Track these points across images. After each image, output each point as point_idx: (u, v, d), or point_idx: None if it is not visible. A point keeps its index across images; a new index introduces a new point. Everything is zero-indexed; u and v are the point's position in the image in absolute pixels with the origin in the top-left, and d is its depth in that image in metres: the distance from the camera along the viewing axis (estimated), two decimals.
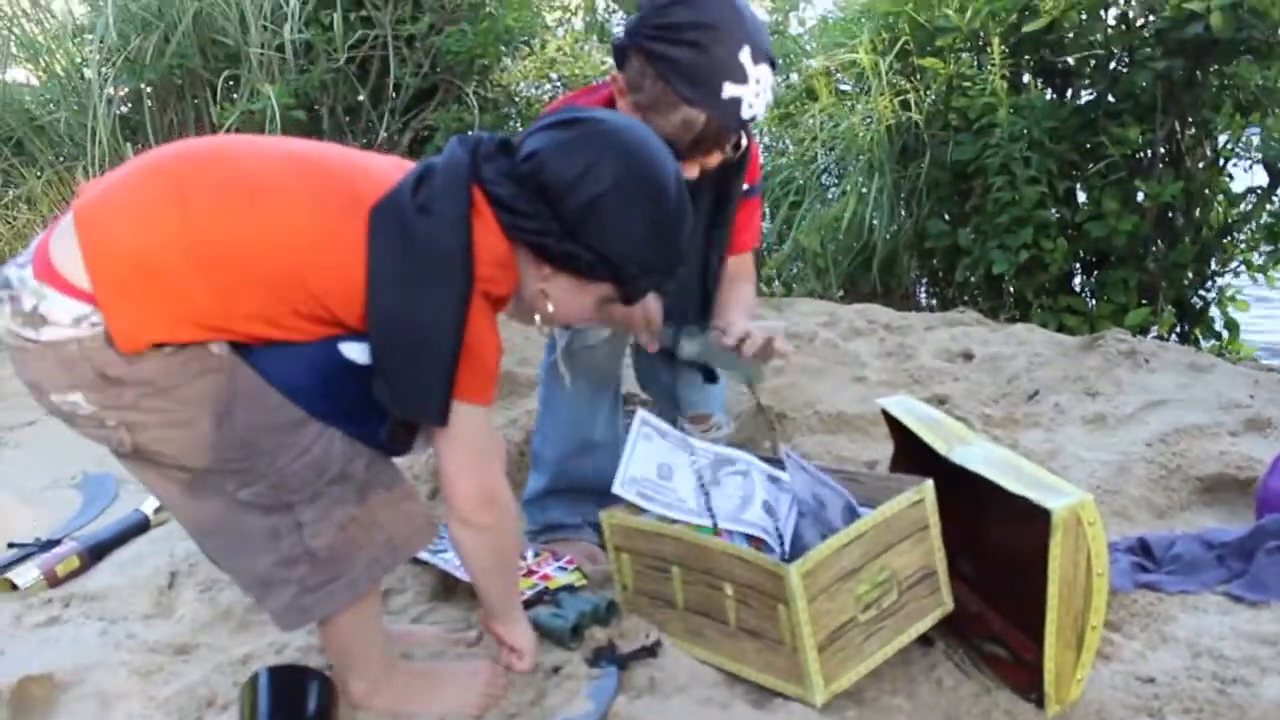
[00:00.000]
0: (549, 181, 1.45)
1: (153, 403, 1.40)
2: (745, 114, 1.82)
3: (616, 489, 1.85)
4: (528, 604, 1.82)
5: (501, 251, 1.47)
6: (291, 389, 1.44)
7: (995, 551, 1.73)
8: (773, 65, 1.86)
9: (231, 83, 4.27)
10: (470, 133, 1.56)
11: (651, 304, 1.92)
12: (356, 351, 1.45)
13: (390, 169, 1.51)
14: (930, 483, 1.70)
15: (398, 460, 1.58)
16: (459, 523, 1.54)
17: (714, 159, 1.89)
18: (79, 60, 4.48)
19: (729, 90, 1.78)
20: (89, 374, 1.38)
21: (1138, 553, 2.03)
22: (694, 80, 1.77)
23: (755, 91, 1.81)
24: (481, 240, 1.44)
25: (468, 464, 1.52)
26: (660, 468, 1.88)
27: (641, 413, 1.91)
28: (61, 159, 4.41)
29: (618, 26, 4.92)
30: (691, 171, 1.88)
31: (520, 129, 3.25)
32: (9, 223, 4.27)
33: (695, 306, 2.07)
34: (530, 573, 1.95)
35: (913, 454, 1.86)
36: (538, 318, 1.59)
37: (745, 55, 1.79)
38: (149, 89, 4.34)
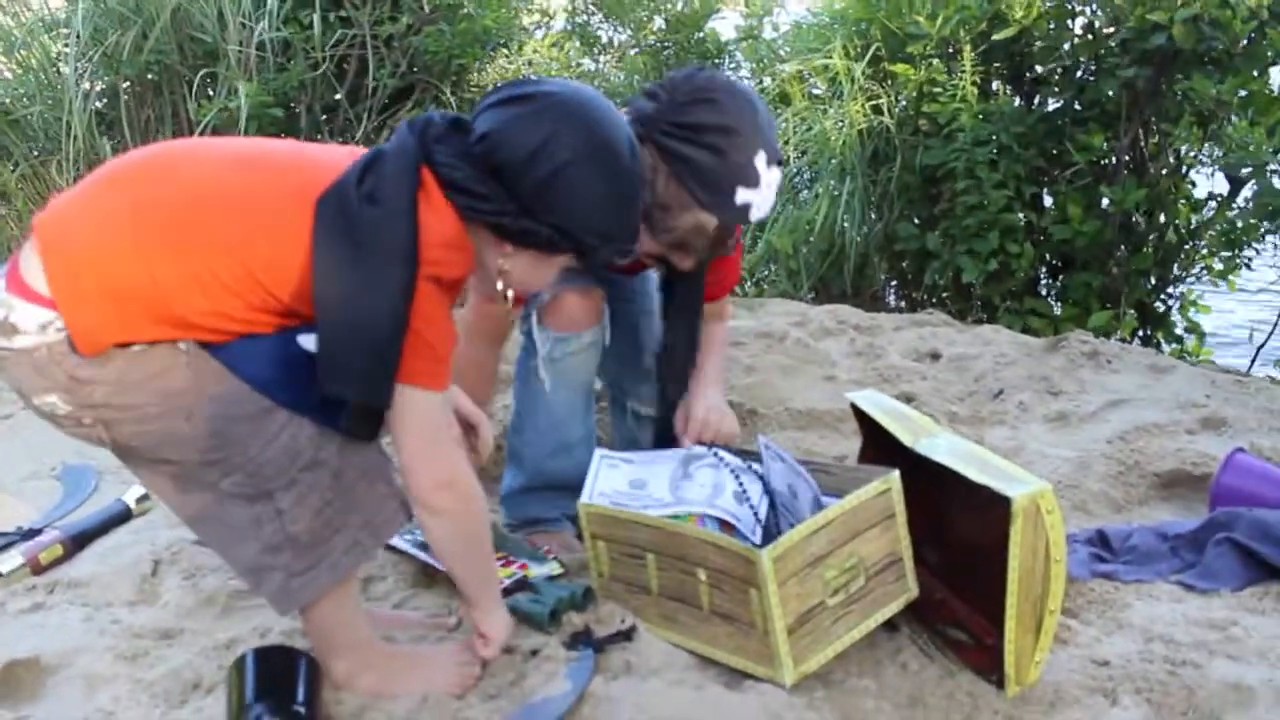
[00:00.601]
0: (502, 161, 1.47)
1: (122, 400, 1.44)
2: (753, 216, 1.84)
3: (585, 500, 1.88)
4: (507, 592, 1.86)
5: (452, 233, 1.49)
6: (256, 381, 1.48)
7: (958, 540, 1.79)
8: (780, 165, 1.86)
9: (209, 80, 4.28)
10: (420, 114, 1.59)
11: None
12: (313, 342, 1.48)
13: (342, 159, 1.53)
14: (896, 473, 1.75)
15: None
16: (421, 509, 1.57)
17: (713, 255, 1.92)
18: (54, 54, 4.48)
19: (742, 195, 1.79)
20: (60, 377, 1.43)
21: (1096, 544, 2.10)
22: (710, 185, 1.78)
23: (765, 196, 1.82)
24: (429, 223, 1.46)
25: (423, 449, 1.53)
26: (632, 482, 1.93)
27: (600, 451, 1.97)
28: (36, 153, 4.40)
29: (598, 29, 4.97)
30: (686, 264, 1.90)
31: None
32: None
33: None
34: (509, 562, 1.99)
35: (880, 446, 1.92)
36: (506, 289, 1.61)
37: (760, 160, 1.79)
38: (126, 85, 4.35)
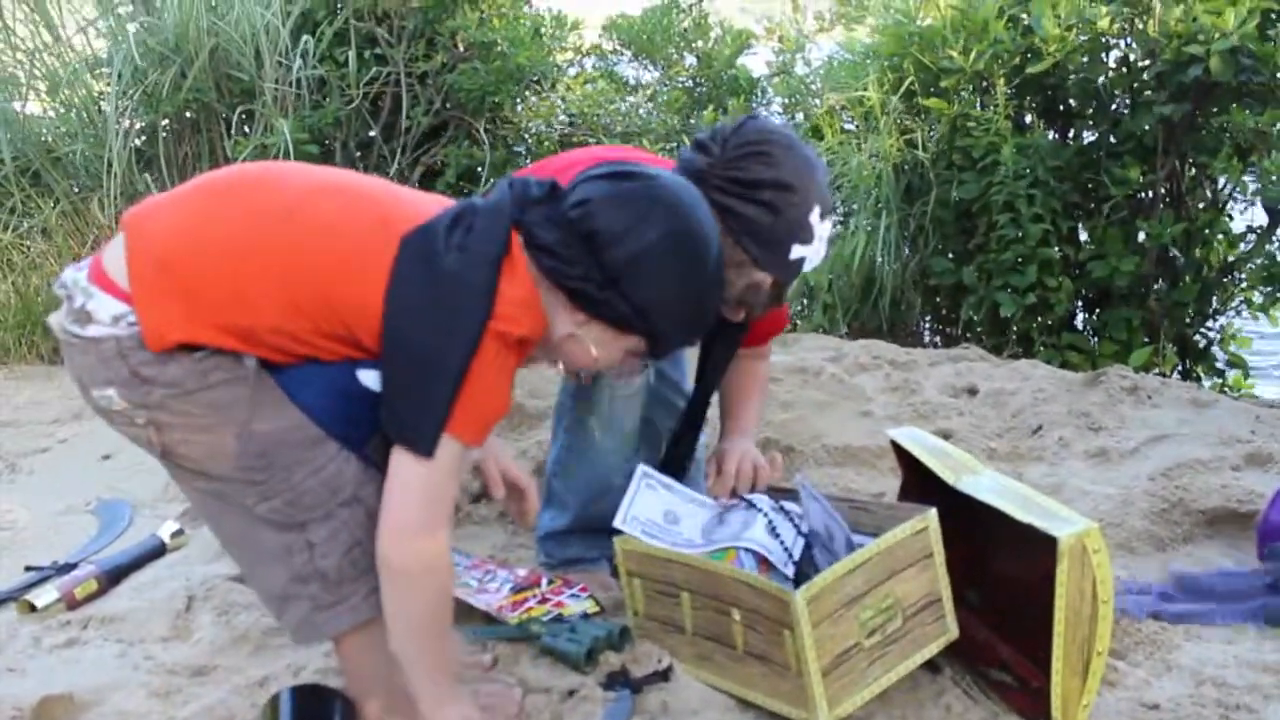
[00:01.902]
0: (596, 229, 1.47)
1: (178, 405, 1.45)
2: (805, 269, 1.82)
3: (618, 524, 1.86)
4: (534, 635, 1.84)
5: (526, 296, 1.48)
6: (311, 408, 1.49)
7: (1002, 580, 1.76)
8: (833, 215, 1.82)
9: (245, 117, 4.34)
10: (519, 176, 1.59)
11: None
12: (372, 379, 1.49)
13: (427, 203, 1.55)
14: (933, 511, 1.72)
15: None
16: (382, 565, 1.48)
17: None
18: (97, 93, 4.56)
19: (796, 251, 1.76)
20: (123, 371, 1.45)
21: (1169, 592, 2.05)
22: (766, 243, 1.74)
23: (817, 249, 1.80)
24: (506, 283, 1.46)
25: (423, 495, 1.46)
26: (666, 514, 1.91)
27: (642, 466, 1.94)
28: (77, 190, 4.47)
29: (629, 66, 4.99)
30: (737, 316, 1.88)
31: (529, 165, 3.30)
32: (24, 252, 4.32)
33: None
34: (545, 600, 1.98)
35: (921, 485, 1.89)
36: (561, 364, 1.60)
37: (815, 216, 1.76)
38: (165, 123, 4.41)
